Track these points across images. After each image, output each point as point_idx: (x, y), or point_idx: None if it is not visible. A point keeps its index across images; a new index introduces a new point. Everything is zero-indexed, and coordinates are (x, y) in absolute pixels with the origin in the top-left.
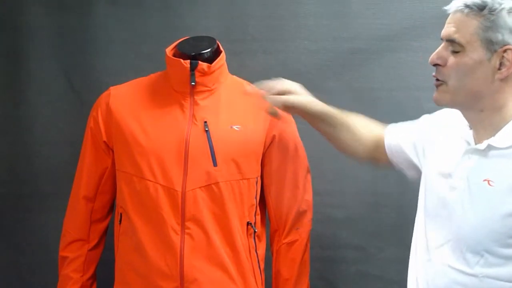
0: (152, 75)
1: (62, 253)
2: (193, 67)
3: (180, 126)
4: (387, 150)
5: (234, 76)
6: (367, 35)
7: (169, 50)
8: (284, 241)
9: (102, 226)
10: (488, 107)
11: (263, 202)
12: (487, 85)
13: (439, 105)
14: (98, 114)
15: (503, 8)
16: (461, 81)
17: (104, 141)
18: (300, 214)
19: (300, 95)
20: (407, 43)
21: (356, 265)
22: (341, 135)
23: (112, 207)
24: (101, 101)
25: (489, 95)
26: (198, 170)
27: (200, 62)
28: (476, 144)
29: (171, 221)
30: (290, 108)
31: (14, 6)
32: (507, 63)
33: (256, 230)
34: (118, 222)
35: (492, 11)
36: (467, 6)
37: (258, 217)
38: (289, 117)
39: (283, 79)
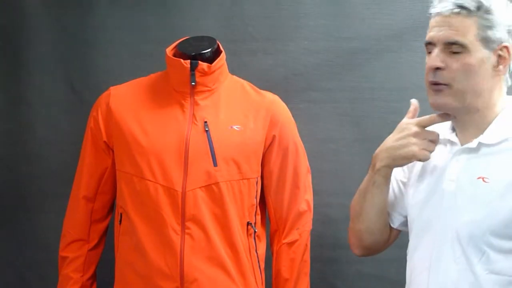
0: (152, 75)
1: (62, 253)
2: (193, 67)
3: (180, 126)
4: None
5: (234, 76)
6: (367, 35)
7: (169, 50)
8: (284, 241)
9: (102, 226)
10: (484, 105)
11: (263, 202)
12: (488, 83)
13: (441, 109)
14: (98, 114)
15: (498, 7)
16: (467, 82)
17: (104, 141)
18: (300, 214)
19: None
20: (407, 43)
21: (356, 265)
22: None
23: (112, 207)
24: (101, 101)
25: (487, 93)
26: (198, 170)
27: (200, 62)
28: (462, 145)
29: (171, 221)
30: None
31: (14, 6)
32: (504, 60)
33: (256, 230)
34: (118, 222)
35: (488, 10)
36: (462, 7)
37: (258, 217)
38: (289, 117)
39: None
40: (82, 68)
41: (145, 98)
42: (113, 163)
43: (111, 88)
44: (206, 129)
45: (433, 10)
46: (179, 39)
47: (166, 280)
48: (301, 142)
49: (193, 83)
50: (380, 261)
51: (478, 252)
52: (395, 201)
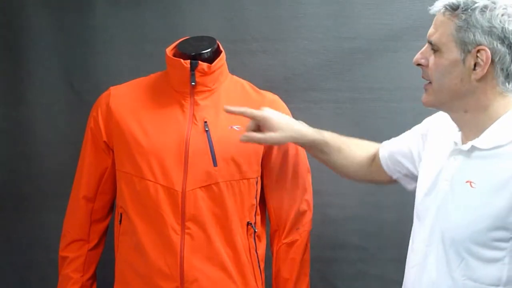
0: (152, 75)
1: (62, 253)
2: (193, 67)
3: (180, 126)
4: (383, 164)
5: (234, 76)
6: (367, 35)
7: (169, 50)
8: (284, 241)
9: (102, 226)
10: (472, 107)
11: (263, 202)
12: (465, 85)
13: (426, 106)
14: (98, 114)
15: (475, 8)
16: (442, 81)
17: (104, 141)
18: (300, 214)
19: (281, 131)
20: (407, 43)
21: (356, 265)
22: (337, 160)
23: (112, 207)
24: (101, 101)
25: (470, 95)
26: (198, 170)
27: (200, 62)
28: (462, 145)
29: (171, 221)
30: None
31: (14, 6)
32: (481, 63)
33: (256, 230)
34: (118, 222)
35: (464, 10)
36: (444, 6)
37: (258, 217)
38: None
39: (265, 108)
40: (82, 68)
41: (145, 98)
42: (113, 163)
43: (111, 88)
44: (206, 129)
45: (430, 8)
46: (179, 39)
47: (166, 280)
48: None
49: (193, 83)
50: (380, 261)
51: (458, 257)
52: (404, 155)
